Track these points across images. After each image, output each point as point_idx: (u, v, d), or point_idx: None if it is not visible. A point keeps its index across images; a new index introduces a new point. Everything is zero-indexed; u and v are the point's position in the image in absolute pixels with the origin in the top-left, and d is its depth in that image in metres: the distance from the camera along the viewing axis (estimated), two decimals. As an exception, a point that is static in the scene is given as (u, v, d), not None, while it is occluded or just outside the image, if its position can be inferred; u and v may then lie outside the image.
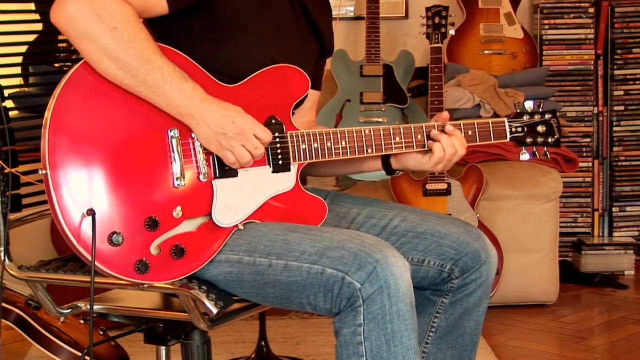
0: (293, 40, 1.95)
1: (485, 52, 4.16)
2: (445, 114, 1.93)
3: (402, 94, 3.94)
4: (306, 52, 1.98)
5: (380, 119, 3.89)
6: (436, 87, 3.50)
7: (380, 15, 3.94)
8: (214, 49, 1.82)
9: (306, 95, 1.90)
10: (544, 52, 4.31)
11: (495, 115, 3.81)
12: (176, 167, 1.72)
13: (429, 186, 3.51)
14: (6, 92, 1.96)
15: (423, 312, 1.95)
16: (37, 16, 2.67)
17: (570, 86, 4.33)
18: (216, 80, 1.79)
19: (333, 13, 2.10)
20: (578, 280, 4.10)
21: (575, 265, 4.22)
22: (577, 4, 4.31)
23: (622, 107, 4.39)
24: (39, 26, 2.94)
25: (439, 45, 3.52)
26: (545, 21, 4.31)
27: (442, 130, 1.90)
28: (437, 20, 3.51)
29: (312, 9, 1.99)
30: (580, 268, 4.16)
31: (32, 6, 2.81)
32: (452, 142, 1.88)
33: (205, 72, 1.78)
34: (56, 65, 2.61)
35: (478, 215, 3.51)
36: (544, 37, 4.31)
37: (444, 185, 3.51)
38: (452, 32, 3.58)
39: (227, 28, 1.83)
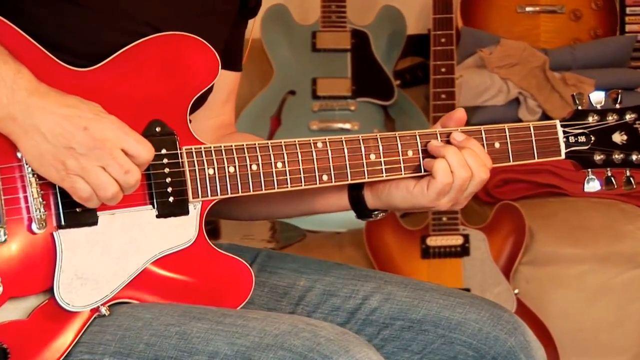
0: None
1: (527, 9, 4.22)
2: (460, 114, 1.96)
3: (384, 82, 3.97)
4: (211, 11, 2.01)
5: (347, 125, 3.92)
6: (443, 70, 3.54)
7: (347, -50, 4.00)
8: (56, 12, 1.84)
9: (213, 84, 1.93)
10: (628, 11, 4.38)
11: (546, 117, 3.84)
12: (-10, 211, 1.74)
13: (431, 241, 3.53)
14: None
15: None
16: None
17: (673, 68, 4.41)
18: (59, 62, 1.81)
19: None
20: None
21: (684, 376, 4.28)
22: None
23: None
24: None
25: (448, -3, 3.58)
26: (631, -42, 4.40)
27: (448, 141, 1.93)
28: (443, -44, 3.58)
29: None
30: (693, 381, 4.22)
31: None
32: (463, 158, 1.91)
33: (41, 48, 1.80)
34: None
35: (516, 292, 3.54)
36: (629, -16, 4.40)
37: (457, 240, 3.53)
38: (469, -24, 3.65)
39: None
